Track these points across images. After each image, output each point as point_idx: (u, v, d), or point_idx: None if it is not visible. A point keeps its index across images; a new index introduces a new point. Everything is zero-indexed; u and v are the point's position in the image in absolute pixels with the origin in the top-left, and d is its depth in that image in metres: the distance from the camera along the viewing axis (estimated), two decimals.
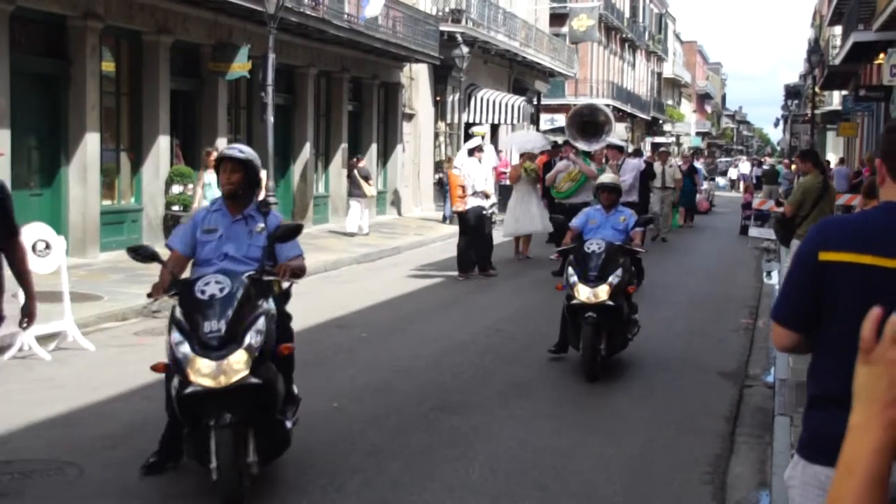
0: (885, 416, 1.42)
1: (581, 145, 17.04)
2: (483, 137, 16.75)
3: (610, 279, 8.36)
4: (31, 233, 9.28)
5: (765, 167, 41.61)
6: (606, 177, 10.04)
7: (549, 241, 17.05)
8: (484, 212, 15.19)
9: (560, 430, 6.99)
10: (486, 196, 15.36)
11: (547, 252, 15.47)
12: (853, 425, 1.46)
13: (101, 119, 15.44)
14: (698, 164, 33.59)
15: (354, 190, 21.24)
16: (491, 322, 11.42)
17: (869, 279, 2.64)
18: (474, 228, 15.03)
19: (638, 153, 22.71)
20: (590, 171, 15.05)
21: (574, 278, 8.43)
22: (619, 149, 16.01)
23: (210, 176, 15.35)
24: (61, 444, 6.38)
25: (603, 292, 8.26)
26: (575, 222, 9.37)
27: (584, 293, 8.29)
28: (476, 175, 15.23)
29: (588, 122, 17.48)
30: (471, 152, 15.63)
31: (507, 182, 19.20)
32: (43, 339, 9.08)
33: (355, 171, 21.34)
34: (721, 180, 47.46)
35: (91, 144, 15.05)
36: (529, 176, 16.86)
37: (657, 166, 21.92)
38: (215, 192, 15.39)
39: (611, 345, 8.54)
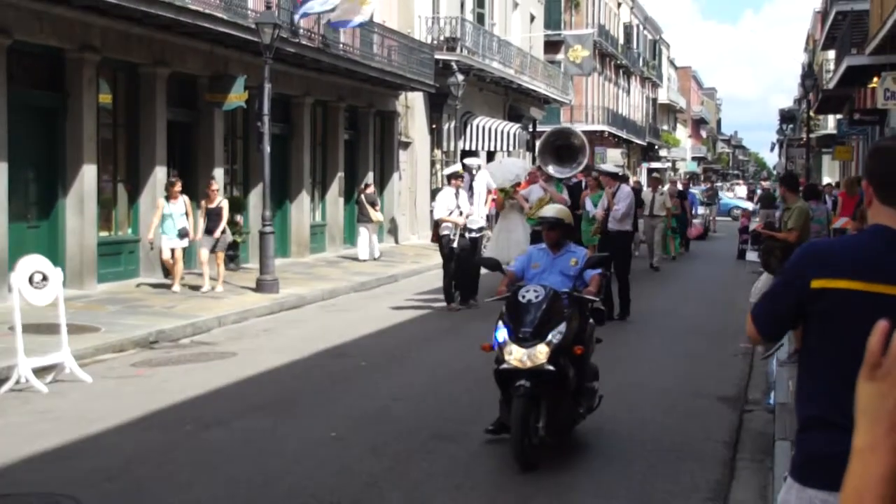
0: (893, 439, 1.33)
1: (552, 171, 16.38)
2: (474, 169, 15.87)
3: (550, 337, 6.47)
4: (29, 264, 9.28)
5: (759, 191, 41.72)
6: (550, 208, 8.24)
7: None
8: (451, 242, 14.53)
9: (560, 457, 6.96)
10: (455, 226, 14.60)
11: None
12: (858, 448, 1.36)
13: (98, 150, 15.47)
14: (693, 190, 33.61)
15: (362, 216, 22.07)
16: None
17: (864, 305, 2.63)
18: (444, 258, 14.67)
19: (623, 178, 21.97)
20: (561, 199, 14.40)
21: (504, 335, 6.59)
22: (615, 176, 15.39)
23: (172, 207, 15.01)
24: (58, 477, 6.34)
25: (541, 354, 6.39)
26: (514, 265, 7.75)
27: (515, 355, 6.44)
28: (440, 204, 14.74)
29: (562, 147, 16.82)
30: (448, 179, 15.23)
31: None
32: (40, 371, 9.05)
33: (362, 197, 22.13)
34: (746, 202, 46.34)
35: (88, 176, 15.07)
36: (510, 197, 16.05)
37: (647, 193, 21.79)
38: (177, 224, 14.97)
39: (553, 422, 6.60)
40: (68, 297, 11.41)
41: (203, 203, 15.87)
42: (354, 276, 18.72)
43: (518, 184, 16.81)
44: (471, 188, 15.53)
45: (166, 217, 14.97)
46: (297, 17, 19.00)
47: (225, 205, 15.87)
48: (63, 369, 9.30)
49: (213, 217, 15.58)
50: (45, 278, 9.32)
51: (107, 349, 10.89)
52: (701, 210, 31.94)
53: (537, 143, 20.05)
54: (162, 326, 12.08)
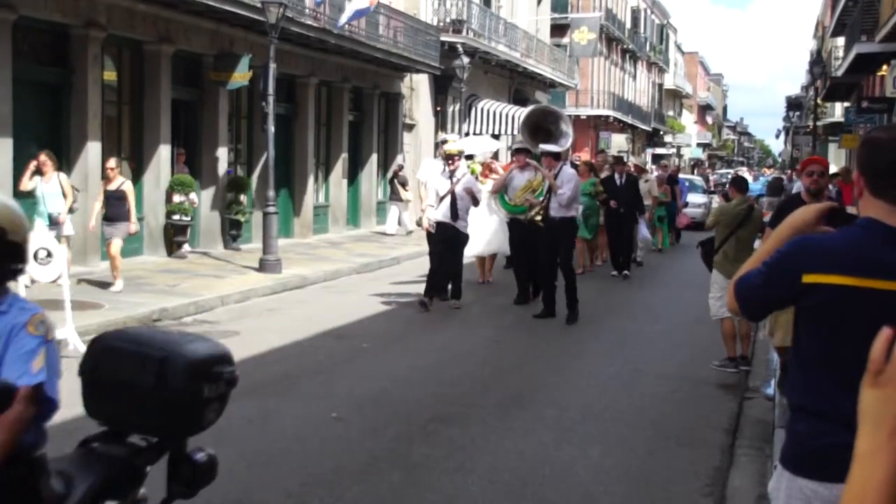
0: (894, 444, 1.35)
1: (545, 146, 13.96)
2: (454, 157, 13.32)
3: None
4: (33, 241, 9.30)
5: (767, 178, 41.42)
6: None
7: (507, 265, 15.43)
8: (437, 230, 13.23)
9: (559, 442, 6.99)
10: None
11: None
12: (860, 453, 1.38)
13: (102, 128, 15.47)
14: (690, 176, 32.94)
15: (394, 195, 24.01)
16: (490, 333, 11.43)
17: (856, 300, 2.63)
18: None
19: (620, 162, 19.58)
20: (555, 184, 12.85)
21: None
22: (556, 156, 13.04)
23: (43, 186, 12.75)
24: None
25: None
26: None
27: None
28: (430, 188, 13.56)
29: (540, 128, 15.18)
30: (447, 158, 13.50)
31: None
32: None
33: (395, 179, 24.00)
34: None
35: (92, 153, 15.07)
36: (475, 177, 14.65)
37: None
38: (48, 207, 12.70)
39: None
40: (72, 274, 11.45)
41: (102, 185, 13.59)
42: (357, 257, 18.74)
43: (471, 156, 16.18)
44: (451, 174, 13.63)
45: (38, 199, 12.72)
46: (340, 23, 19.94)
47: (128, 187, 13.37)
48: (67, 345, 9.33)
49: (113, 202, 13.13)
50: (49, 254, 9.36)
51: (110, 326, 10.90)
52: (703, 199, 30.73)
53: (521, 117, 18.92)
54: (165, 305, 12.12)
